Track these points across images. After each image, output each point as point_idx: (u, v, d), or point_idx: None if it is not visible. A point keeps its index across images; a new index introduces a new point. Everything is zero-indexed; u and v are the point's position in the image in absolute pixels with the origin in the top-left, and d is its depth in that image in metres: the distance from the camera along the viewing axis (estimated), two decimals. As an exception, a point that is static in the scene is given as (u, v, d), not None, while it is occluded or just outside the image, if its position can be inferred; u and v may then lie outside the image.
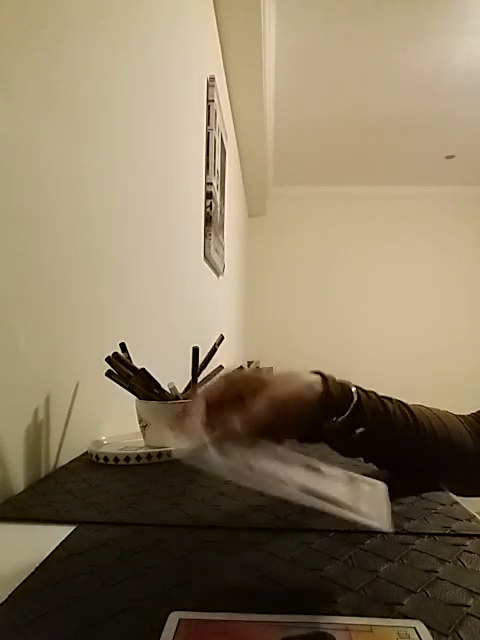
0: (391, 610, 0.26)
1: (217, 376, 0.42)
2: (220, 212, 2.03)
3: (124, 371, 0.60)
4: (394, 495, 0.43)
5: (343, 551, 0.33)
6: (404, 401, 0.48)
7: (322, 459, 0.35)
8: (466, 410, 0.56)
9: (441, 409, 0.53)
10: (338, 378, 0.46)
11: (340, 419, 0.43)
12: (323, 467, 0.34)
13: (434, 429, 0.47)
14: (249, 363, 3.27)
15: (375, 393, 0.47)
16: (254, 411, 0.37)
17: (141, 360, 0.67)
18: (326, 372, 0.45)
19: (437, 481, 0.48)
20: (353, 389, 0.45)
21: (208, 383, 0.43)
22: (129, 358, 0.64)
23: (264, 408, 0.37)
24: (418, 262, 4.34)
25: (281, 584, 0.29)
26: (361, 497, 0.30)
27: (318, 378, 0.44)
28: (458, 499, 0.44)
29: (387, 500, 0.31)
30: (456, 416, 0.52)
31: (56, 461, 0.58)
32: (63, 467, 0.57)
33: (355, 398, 0.44)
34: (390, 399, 0.47)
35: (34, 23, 0.53)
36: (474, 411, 0.56)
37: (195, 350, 0.66)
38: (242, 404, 0.39)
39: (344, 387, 0.45)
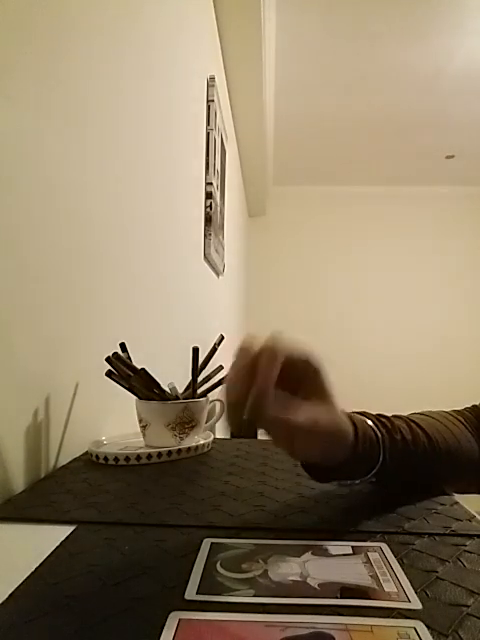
0: (391, 610, 0.26)
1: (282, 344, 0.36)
2: (220, 212, 2.03)
3: (124, 371, 0.60)
4: (396, 499, 0.43)
5: (343, 551, 0.33)
6: (417, 421, 0.46)
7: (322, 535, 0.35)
8: (465, 406, 0.56)
9: (442, 411, 0.53)
10: (359, 416, 0.42)
11: (359, 481, 0.42)
12: (329, 546, 0.34)
13: (448, 445, 0.46)
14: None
15: (399, 430, 0.43)
16: (299, 419, 0.35)
17: (141, 360, 0.67)
18: (356, 419, 0.41)
19: (444, 487, 0.47)
20: (380, 444, 0.41)
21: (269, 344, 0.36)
22: (129, 358, 0.64)
23: (310, 422, 0.35)
24: (418, 262, 4.35)
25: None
26: (377, 571, 0.30)
27: (351, 431, 0.39)
28: (458, 499, 0.44)
29: (394, 559, 0.32)
30: (456, 415, 0.52)
31: (56, 461, 0.58)
32: (63, 467, 0.57)
33: (380, 460, 0.41)
34: (409, 427, 0.45)
35: (35, 24, 0.53)
36: (468, 406, 0.56)
37: (195, 350, 0.66)
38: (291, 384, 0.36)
39: (372, 447, 0.40)
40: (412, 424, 0.45)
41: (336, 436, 0.38)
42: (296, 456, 0.40)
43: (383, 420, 0.44)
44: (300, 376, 0.37)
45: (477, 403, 0.56)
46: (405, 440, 0.43)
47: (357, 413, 0.44)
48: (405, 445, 0.43)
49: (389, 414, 0.48)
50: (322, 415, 0.37)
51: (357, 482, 0.42)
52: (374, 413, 0.46)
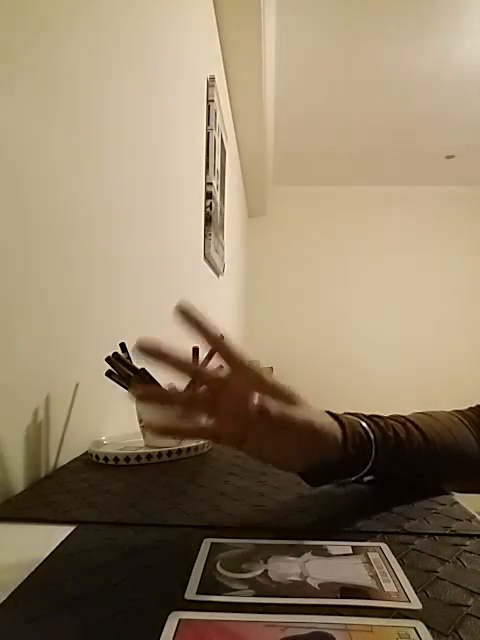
0: (391, 610, 0.26)
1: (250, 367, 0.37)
2: (220, 212, 2.03)
3: (124, 371, 0.60)
4: (396, 499, 0.43)
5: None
6: (413, 419, 0.46)
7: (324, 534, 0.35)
8: (465, 407, 0.56)
9: (443, 411, 0.53)
10: (351, 416, 0.42)
11: (354, 479, 0.42)
12: (329, 546, 0.34)
13: (444, 442, 0.46)
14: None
15: (391, 428, 0.43)
16: (285, 412, 0.35)
17: (141, 360, 0.67)
18: (344, 418, 0.41)
19: (443, 486, 0.47)
20: (371, 441, 0.41)
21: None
22: (129, 358, 0.64)
23: (296, 418, 0.36)
24: (418, 262, 4.35)
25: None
26: (377, 571, 0.30)
27: (339, 430, 0.40)
28: (458, 499, 0.44)
29: (394, 559, 0.32)
30: (457, 415, 0.52)
31: (56, 461, 0.58)
32: (63, 467, 0.57)
33: (373, 456, 0.41)
34: (403, 424, 0.45)
35: (36, 23, 0.53)
36: (473, 405, 0.56)
37: (195, 350, 0.66)
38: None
39: (363, 443, 0.40)
40: (408, 423, 0.45)
41: (315, 432, 0.38)
42: (275, 459, 0.40)
43: (376, 419, 0.44)
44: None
45: None
46: (399, 438, 0.43)
47: (350, 414, 0.44)
48: (399, 443, 0.43)
49: (388, 414, 0.48)
50: (296, 411, 0.37)
51: (352, 479, 0.42)
52: (369, 414, 0.46)
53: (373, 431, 0.42)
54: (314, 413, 0.38)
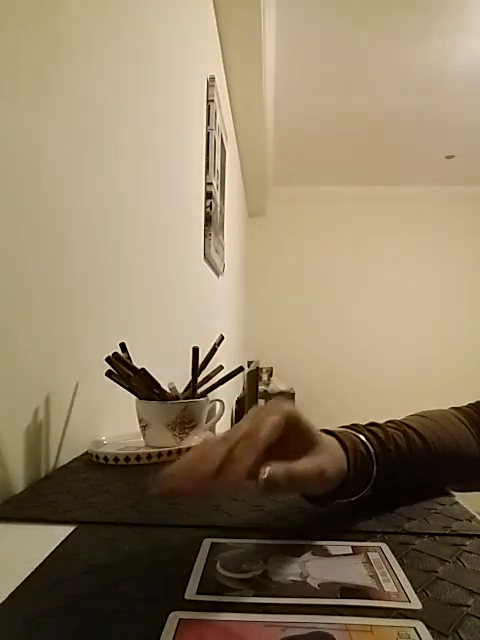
0: (391, 610, 0.26)
1: (280, 411, 0.35)
2: (220, 212, 2.03)
3: (124, 371, 0.60)
4: (396, 499, 0.43)
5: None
6: (412, 425, 0.45)
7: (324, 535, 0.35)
8: (464, 403, 0.56)
9: (441, 410, 0.53)
10: (351, 432, 0.42)
11: (353, 498, 0.41)
12: (329, 546, 0.34)
13: (445, 445, 0.46)
14: (249, 363, 3.27)
15: (391, 438, 0.43)
16: (303, 471, 0.33)
17: (141, 360, 0.67)
18: (346, 439, 0.40)
19: (444, 487, 0.47)
20: (373, 458, 0.40)
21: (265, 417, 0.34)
22: (129, 358, 0.64)
23: (311, 473, 0.33)
24: (418, 262, 4.35)
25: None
26: (377, 571, 0.30)
27: (344, 459, 0.38)
28: (458, 499, 0.44)
29: (394, 559, 0.32)
30: (456, 413, 0.52)
31: (56, 461, 0.58)
32: (63, 467, 0.57)
33: (374, 474, 0.40)
34: (404, 432, 0.44)
35: (34, 23, 0.53)
36: (472, 402, 0.55)
37: (195, 350, 0.66)
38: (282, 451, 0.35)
39: (365, 463, 0.40)
40: (408, 430, 0.45)
41: (330, 480, 0.37)
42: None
43: (375, 431, 0.43)
44: (283, 438, 0.35)
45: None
46: (399, 448, 0.42)
47: (347, 427, 0.43)
48: (399, 454, 0.42)
49: (385, 419, 0.47)
50: (326, 462, 0.35)
51: (354, 499, 0.41)
52: (366, 423, 0.45)
53: (373, 446, 0.41)
54: (328, 457, 0.36)
